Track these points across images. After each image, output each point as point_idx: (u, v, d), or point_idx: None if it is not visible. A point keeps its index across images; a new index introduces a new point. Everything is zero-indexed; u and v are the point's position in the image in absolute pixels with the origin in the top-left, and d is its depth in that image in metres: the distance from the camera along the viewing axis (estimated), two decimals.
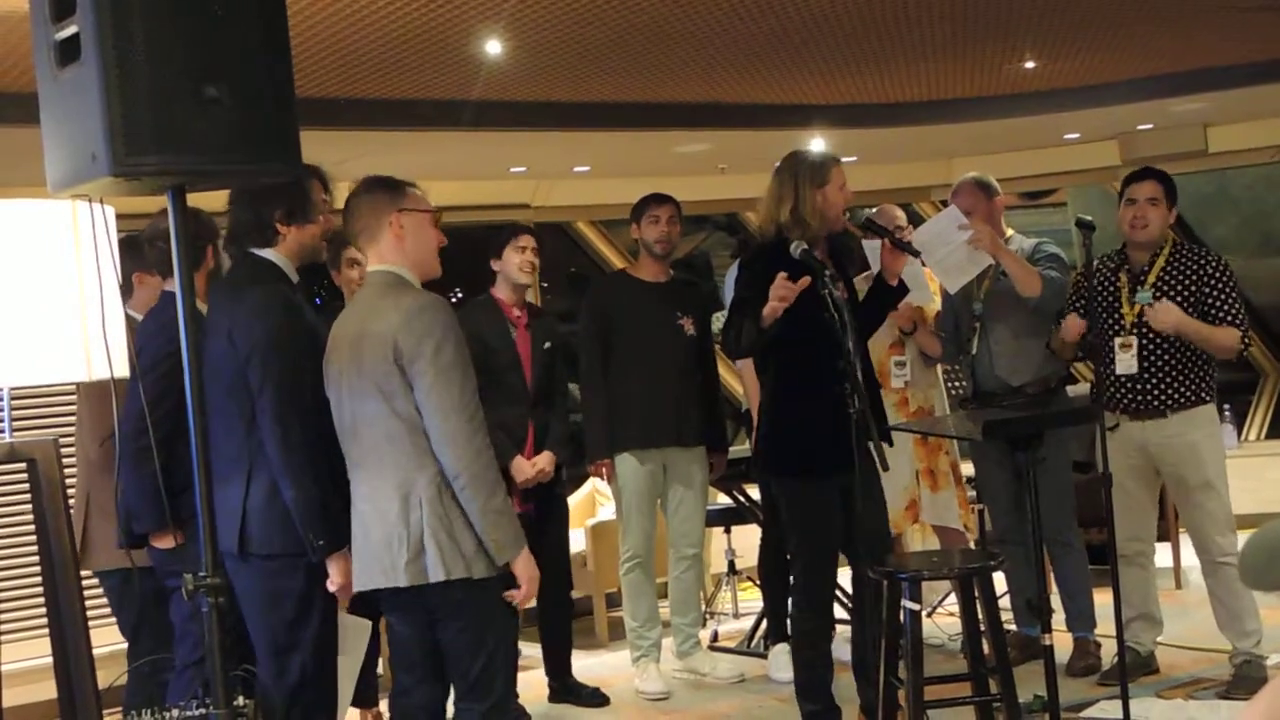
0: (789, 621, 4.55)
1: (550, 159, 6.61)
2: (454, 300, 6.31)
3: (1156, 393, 4.71)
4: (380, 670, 5.08)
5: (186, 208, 2.63)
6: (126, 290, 4.15)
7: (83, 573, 4.16)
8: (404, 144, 5.51)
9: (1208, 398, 4.72)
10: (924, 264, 4.77)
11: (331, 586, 3.32)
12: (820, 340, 3.99)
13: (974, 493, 5.56)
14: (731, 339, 4.21)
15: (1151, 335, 4.70)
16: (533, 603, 5.45)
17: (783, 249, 4.09)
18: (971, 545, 5.50)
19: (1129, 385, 4.73)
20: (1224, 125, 7.18)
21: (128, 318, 4.06)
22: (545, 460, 5.08)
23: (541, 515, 5.12)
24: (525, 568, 3.21)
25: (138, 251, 4.16)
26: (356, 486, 3.26)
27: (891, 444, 4.10)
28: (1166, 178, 4.82)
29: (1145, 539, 4.90)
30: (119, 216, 3.00)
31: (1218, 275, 4.67)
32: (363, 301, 3.37)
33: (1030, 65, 5.67)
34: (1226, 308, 4.65)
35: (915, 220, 6.43)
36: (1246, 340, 4.69)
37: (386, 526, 3.16)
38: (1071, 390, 5.70)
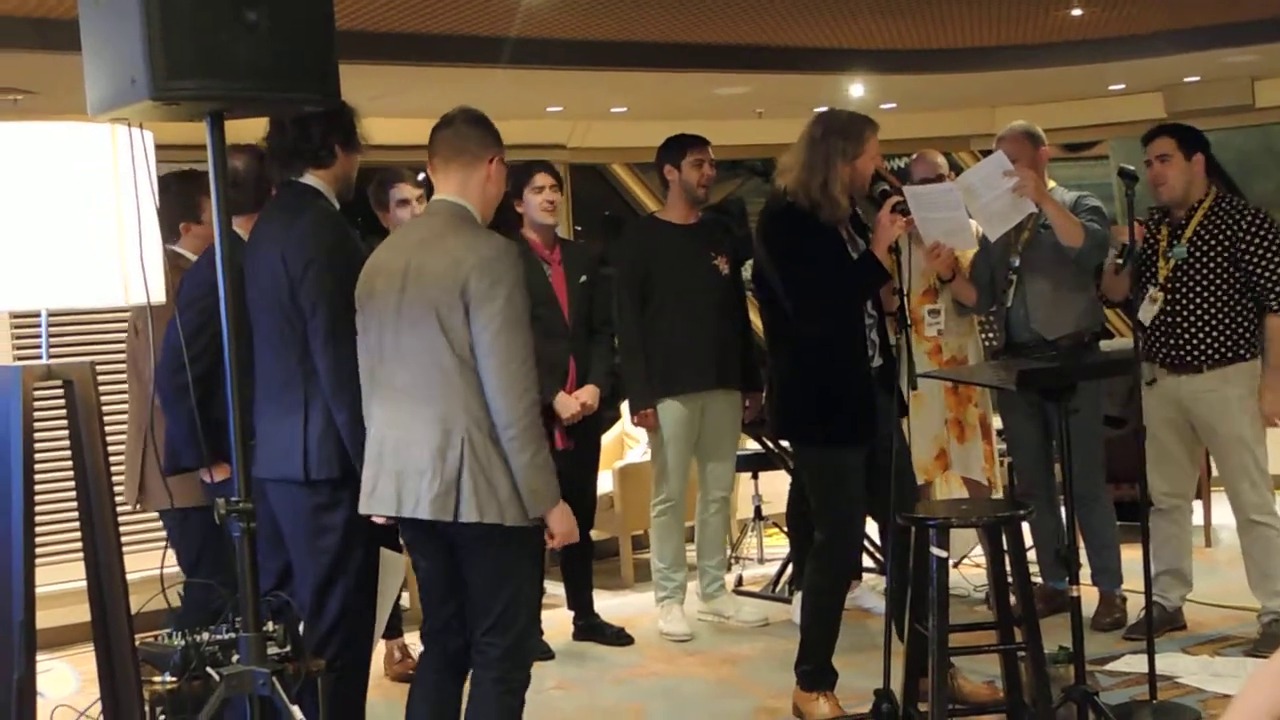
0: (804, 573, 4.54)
1: (587, 99, 6.56)
2: None
3: (1190, 347, 4.68)
4: (405, 603, 5.14)
5: (223, 133, 2.64)
6: (174, 235, 4.15)
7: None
8: (440, 80, 5.48)
9: (1246, 354, 4.67)
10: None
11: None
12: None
13: (1004, 446, 5.55)
14: (827, 294, 4.05)
15: (1185, 290, 4.67)
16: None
17: (803, 216, 4.04)
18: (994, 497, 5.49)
19: (1165, 339, 4.71)
20: (1272, 79, 7.06)
21: (177, 255, 4.08)
22: (588, 394, 5.08)
23: (575, 453, 5.14)
24: (560, 521, 3.20)
25: (178, 195, 4.12)
26: (387, 412, 3.22)
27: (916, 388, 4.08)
28: (1179, 129, 4.78)
29: (1182, 494, 4.88)
30: (159, 147, 3.00)
31: (1256, 232, 4.60)
32: (425, 229, 3.32)
33: (1077, 13, 5.57)
34: (1265, 269, 4.58)
35: (956, 170, 6.36)
36: None
37: (418, 457, 3.14)
38: (1106, 345, 5.66)
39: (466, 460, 3.11)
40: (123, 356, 4.40)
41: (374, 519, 3.30)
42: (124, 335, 4.40)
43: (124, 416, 4.27)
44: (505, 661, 3.25)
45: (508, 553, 3.21)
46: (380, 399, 3.25)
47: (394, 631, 4.90)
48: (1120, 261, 4.63)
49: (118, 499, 3.07)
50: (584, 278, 5.17)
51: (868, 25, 5.66)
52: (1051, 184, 5.06)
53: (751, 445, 6.17)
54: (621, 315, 5.25)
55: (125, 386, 4.31)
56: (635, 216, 7.63)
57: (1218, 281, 4.64)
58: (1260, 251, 4.59)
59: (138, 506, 4.17)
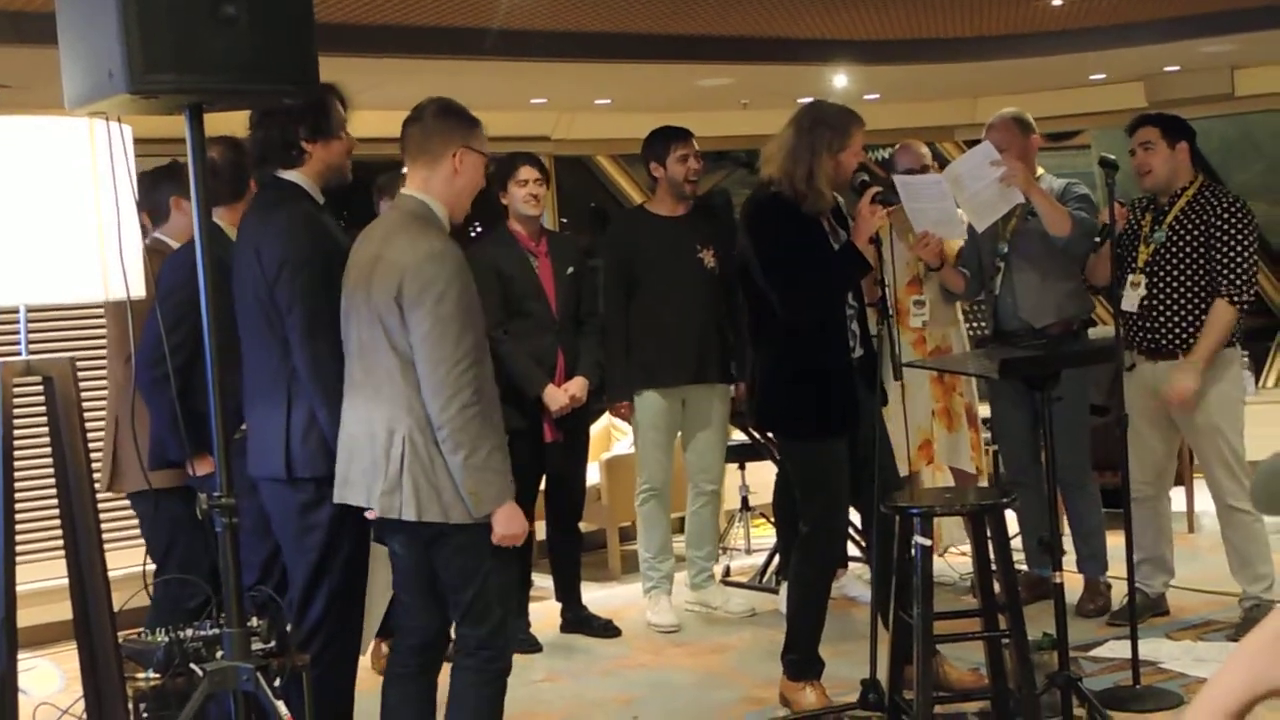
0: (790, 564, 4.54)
1: (571, 91, 6.56)
2: (474, 235, 6.29)
3: (1165, 332, 4.69)
4: None
5: (203, 127, 2.63)
6: (163, 215, 4.15)
7: (115, 495, 4.22)
8: (424, 72, 5.47)
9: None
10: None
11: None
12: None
13: (989, 434, 5.56)
14: (811, 289, 4.03)
15: (1162, 275, 4.68)
16: (542, 535, 5.52)
17: (787, 205, 4.05)
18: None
19: (1143, 324, 4.73)
20: (1252, 68, 7.09)
21: (161, 243, 4.07)
22: (577, 386, 5.08)
23: (565, 445, 5.14)
24: (504, 522, 3.19)
25: (177, 176, 4.13)
26: (351, 408, 3.25)
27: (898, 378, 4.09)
28: (1163, 118, 4.80)
29: (1158, 483, 4.89)
30: (139, 140, 2.99)
31: (1229, 219, 4.61)
32: (385, 226, 3.34)
33: (1058, 3, 5.59)
34: (1228, 257, 4.59)
35: (940, 161, 6.37)
36: (1243, 306, 4.64)
37: (372, 453, 3.18)
38: (1093, 333, 5.67)
39: (407, 460, 3.14)
40: (103, 351, 4.39)
41: (365, 514, 3.31)
42: (104, 330, 4.39)
43: (105, 411, 4.25)
44: (482, 650, 3.28)
45: (471, 545, 3.22)
46: (349, 395, 3.28)
47: (387, 630, 4.87)
48: (1097, 240, 4.64)
49: (98, 494, 3.06)
50: (571, 269, 5.16)
51: (851, 16, 5.66)
52: (1041, 171, 5.06)
53: (738, 436, 6.18)
54: (606, 310, 5.25)
55: (105, 382, 4.29)
56: (620, 208, 7.62)
57: (1194, 268, 4.65)
58: (1228, 238, 4.59)
59: (112, 489, 4.13)
